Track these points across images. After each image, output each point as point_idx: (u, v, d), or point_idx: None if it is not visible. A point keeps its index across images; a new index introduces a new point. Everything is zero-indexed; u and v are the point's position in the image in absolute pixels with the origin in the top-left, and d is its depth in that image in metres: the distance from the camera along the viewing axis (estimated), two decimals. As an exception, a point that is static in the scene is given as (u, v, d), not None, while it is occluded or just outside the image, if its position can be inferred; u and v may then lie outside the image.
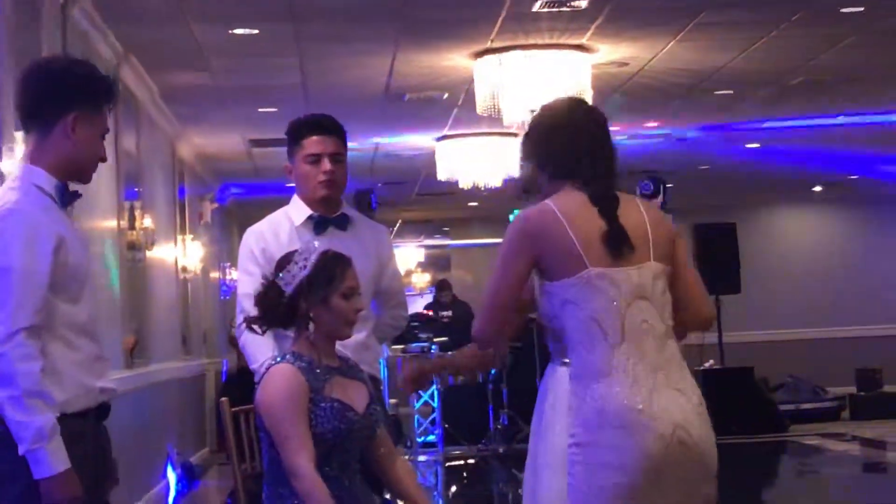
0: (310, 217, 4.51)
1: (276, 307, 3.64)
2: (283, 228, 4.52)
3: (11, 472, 3.28)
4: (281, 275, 3.64)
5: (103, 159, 3.53)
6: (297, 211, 4.55)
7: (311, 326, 3.65)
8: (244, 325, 4.11)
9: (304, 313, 3.63)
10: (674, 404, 3.22)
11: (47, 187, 3.41)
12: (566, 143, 3.44)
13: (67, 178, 3.47)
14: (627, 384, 3.24)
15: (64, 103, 3.41)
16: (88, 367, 3.42)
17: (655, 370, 3.25)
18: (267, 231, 4.53)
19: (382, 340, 4.83)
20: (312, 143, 4.50)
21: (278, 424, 3.54)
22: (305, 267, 3.62)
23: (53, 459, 3.25)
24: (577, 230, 3.30)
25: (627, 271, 3.29)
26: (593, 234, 3.29)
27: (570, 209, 3.33)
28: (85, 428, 3.38)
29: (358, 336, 4.23)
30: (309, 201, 4.52)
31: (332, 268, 3.64)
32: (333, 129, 4.56)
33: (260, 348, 4.24)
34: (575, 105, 3.58)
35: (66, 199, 3.46)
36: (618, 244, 3.29)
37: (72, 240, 3.42)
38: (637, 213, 3.38)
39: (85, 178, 3.53)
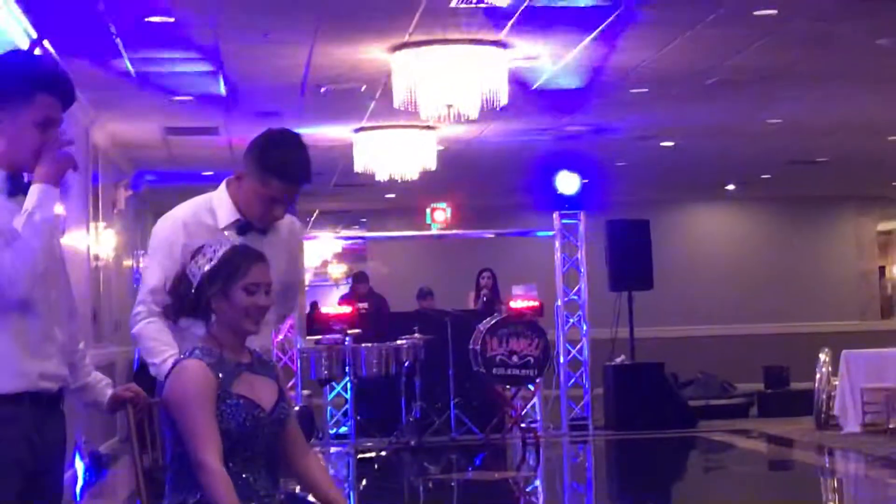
0: (236, 221, 4.27)
1: (184, 298, 3.65)
2: (206, 225, 4.25)
3: None
4: (190, 266, 3.65)
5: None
6: (224, 210, 4.28)
7: (213, 318, 3.65)
8: (141, 316, 4.10)
9: (206, 305, 3.63)
10: None
11: None
12: None
13: (17, 169, 3.46)
14: None
15: None
16: (29, 348, 3.37)
17: None
18: (191, 224, 4.26)
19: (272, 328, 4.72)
20: (278, 189, 4.19)
21: (187, 420, 3.54)
22: (212, 259, 3.62)
23: None
24: None
25: None
26: None
27: None
28: (16, 412, 3.35)
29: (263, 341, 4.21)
30: (243, 209, 4.26)
31: (236, 261, 3.63)
32: (304, 180, 4.27)
33: (156, 343, 4.12)
34: None
35: (15, 187, 3.44)
36: None
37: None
38: None
39: (30, 170, 3.49)
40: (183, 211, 4.35)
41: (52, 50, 8.68)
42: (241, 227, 4.25)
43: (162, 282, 3.89)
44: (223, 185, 4.34)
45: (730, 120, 12.84)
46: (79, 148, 11.16)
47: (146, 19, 8.26)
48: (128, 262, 15.21)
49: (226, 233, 3.91)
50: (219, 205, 4.30)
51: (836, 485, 10.59)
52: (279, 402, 3.71)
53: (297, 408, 11.66)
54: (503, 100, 9.51)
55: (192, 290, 3.63)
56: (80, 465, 10.43)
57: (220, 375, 3.59)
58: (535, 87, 10.65)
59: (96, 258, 12.25)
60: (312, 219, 19.02)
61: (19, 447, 3.35)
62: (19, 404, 3.37)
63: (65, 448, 3.63)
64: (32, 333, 3.39)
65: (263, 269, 3.67)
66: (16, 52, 3.68)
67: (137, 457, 3.83)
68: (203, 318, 3.68)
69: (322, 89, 10.63)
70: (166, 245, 4.25)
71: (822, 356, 13.05)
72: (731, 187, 18.76)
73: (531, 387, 13.19)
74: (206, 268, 3.61)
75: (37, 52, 7.93)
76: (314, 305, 16.17)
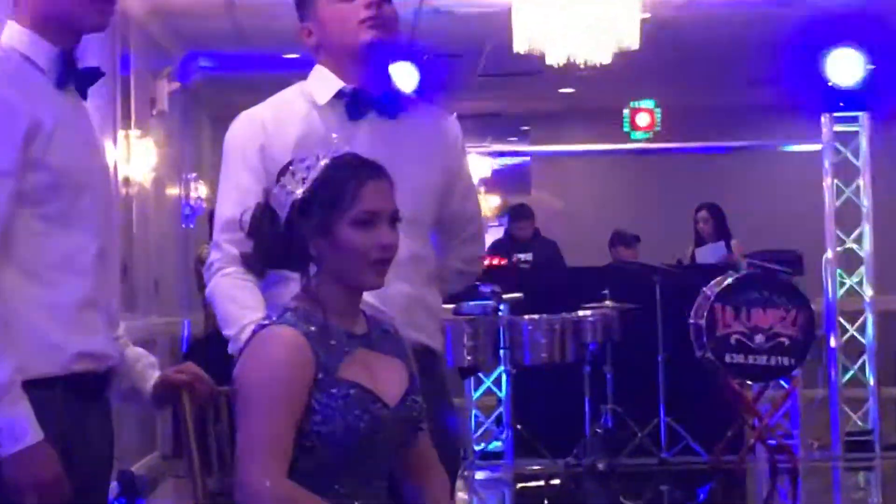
0: (341, 93, 4.42)
1: (271, 240, 3.66)
2: (297, 113, 4.41)
3: None
4: (275, 191, 3.65)
5: None
6: (320, 85, 4.45)
7: (313, 269, 3.68)
8: (216, 265, 4.14)
9: (303, 249, 3.65)
10: None
11: (35, 56, 3.62)
12: None
13: (60, 36, 3.63)
14: None
15: None
16: (66, 317, 3.58)
17: None
18: (270, 119, 4.41)
19: (446, 293, 4.74)
20: None
21: (250, 410, 3.57)
22: (305, 179, 3.62)
23: (16, 428, 3.46)
24: None
25: None
26: None
27: None
28: (48, 403, 3.53)
29: (409, 286, 4.22)
30: (343, 64, 4.42)
31: (340, 179, 3.62)
32: None
33: (234, 306, 4.21)
34: None
35: (67, 74, 3.64)
36: None
37: (65, 132, 3.58)
38: None
39: (83, 25, 3.67)
40: (265, 104, 4.49)
41: None
42: (353, 100, 4.37)
43: (240, 210, 3.87)
44: (317, 65, 4.50)
45: None
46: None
47: None
48: (173, 190, 15.43)
49: (333, 135, 3.93)
50: (313, 82, 4.47)
51: None
52: (409, 393, 3.73)
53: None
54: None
55: (280, 227, 3.64)
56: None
57: (322, 352, 3.60)
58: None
59: (126, 183, 12.43)
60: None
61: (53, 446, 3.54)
62: (51, 392, 3.57)
63: (112, 455, 3.83)
64: (72, 296, 3.61)
65: (383, 187, 3.66)
66: None
67: (197, 473, 3.89)
68: (298, 269, 3.70)
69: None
70: (239, 155, 4.38)
71: None
72: None
73: (785, 383, 13.10)
74: (298, 192, 3.62)
75: None
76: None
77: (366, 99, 4.40)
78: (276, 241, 3.65)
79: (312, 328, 3.62)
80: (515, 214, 16.07)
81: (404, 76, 12.95)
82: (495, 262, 14.01)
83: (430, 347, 4.36)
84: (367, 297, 3.80)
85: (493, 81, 17.15)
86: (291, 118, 4.38)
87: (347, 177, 3.63)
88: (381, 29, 4.38)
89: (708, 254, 14.46)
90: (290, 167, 3.67)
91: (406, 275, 4.18)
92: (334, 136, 3.86)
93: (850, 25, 13.64)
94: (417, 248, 4.32)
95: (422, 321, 4.33)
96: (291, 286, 3.85)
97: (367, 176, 3.65)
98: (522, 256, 14.51)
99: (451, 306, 12.78)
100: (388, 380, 3.71)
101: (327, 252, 3.63)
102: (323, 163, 3.64)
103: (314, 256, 3.65)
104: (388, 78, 4.50)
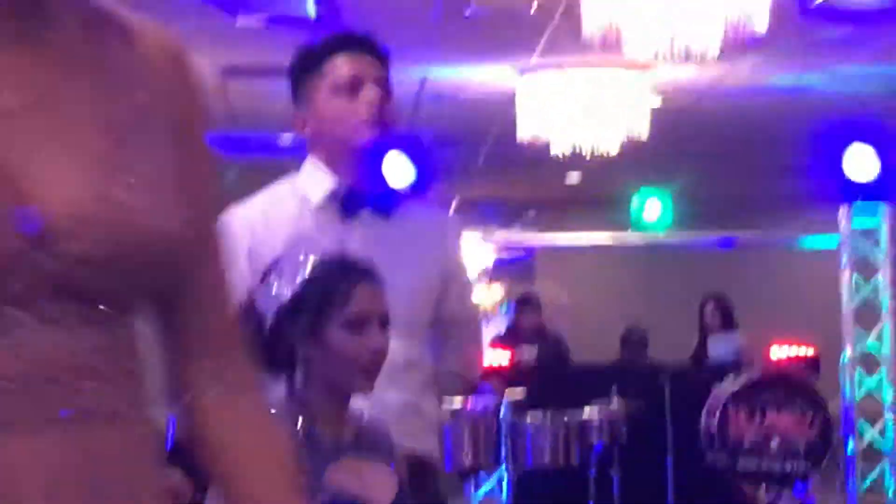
0: (334, 192, 4.45)
1: (254, 342, 3.63)
2: (288, 213, 4.44)
3: None
4: (261, 293, 3.68)
5: None
6: (312, 183, 4.48)
7: (300, 374, 3.69)
8: None
9: (289, 352, 3.66)
10: None
11: None
12: None
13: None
14: None
15: None
16: None
17: None
18: (259, 220, 4.43)
19: (443, 396, 4.81)
20: (344, 65, 4.43)
21: None
22: (293, 280, 3.65)
23: None
24: None
25: None
26: None
27: None
28: None
29: (403, 394, 4.24)
30: (338, 159, 4.46)
31: (330, 280, 3.65)
32: (371, 47, 4.50)
33: None
34: None
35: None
36: None
37: None
38: None
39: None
40: (255, 201, 4.53)
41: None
42: (345, 201, 4.42)
43: None
44: (310, 157, 4.56)
45: None
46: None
47: None
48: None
49: (315, 235, 3.96)
50: (306, 178, 4.52)
51: None
52: (399, 501, 3.74)
53: None
54: (760, 27, 9.44)
55: (266, 330, 3.66)
56: None
57: (308, 458, 3.55)
58: (814, 5, 10.56)
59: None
60: (450, 212, 19.10)
61: None
62: None
63: None
64: None
65: (375, 289, 3.69)
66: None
67: None
68: (283, 373, 3.71)
69: (467, 12, 10.66)
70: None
71: None
72: None
73: (801, 490, 13.06)
74: (285, 293, 3.65)
75: None
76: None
77: (360, 198, 4.44)
78: (260, 343, 3.62)
79: (297, 433, 3.61)
80: (522, 301, 16.10)
81: (401, 167, 12.96)
82: (497, 355, 13.94)
83: (424, 457, 4.37)
84: (360, 403, 3.79)
85: (497, 167, 17.18)
86: (282, 219, 4.40)
87: (338, 278, 3.66)
88: (382, 128, 4.44)
89: (720, 344, 14.45)
90: (277, 267, 3.70)
91: (400, 382, 4.19)
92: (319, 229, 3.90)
93: (866, 120, 13.69)
94: (412, 353, 4.33)
95: (416, 430, 4.32)
96: (276, 390, 3.82)
97: (358, 278, 3.68)
98: (526, 354, 14.49)
99: (455, 406, 12.80)
100: (378, 487, 3.70)
101: (315, 355, 3.65)
102: (311, 263, 3.67)
103: (301, 359, 3.67)
104: (383, 176, 4.52)
